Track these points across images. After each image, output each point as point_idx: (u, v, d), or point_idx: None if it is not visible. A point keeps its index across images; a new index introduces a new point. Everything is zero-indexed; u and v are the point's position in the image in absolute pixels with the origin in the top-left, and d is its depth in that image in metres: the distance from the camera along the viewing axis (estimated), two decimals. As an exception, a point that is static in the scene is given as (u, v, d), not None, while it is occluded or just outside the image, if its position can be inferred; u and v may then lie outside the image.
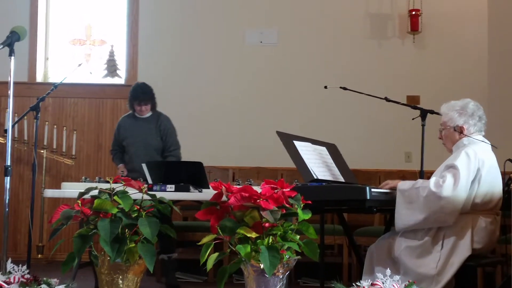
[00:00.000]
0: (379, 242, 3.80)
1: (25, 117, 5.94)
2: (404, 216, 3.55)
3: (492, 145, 3.71)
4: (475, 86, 6.94)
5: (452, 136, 3.72)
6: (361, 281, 2.83)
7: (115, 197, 2.99)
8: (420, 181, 3.59)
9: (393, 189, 3.64)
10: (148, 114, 5.59)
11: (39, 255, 6.70)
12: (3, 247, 3.40)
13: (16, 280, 2.91)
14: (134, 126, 5.58)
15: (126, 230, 2.98)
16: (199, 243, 3.02)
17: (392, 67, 7.15)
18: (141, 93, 5.49)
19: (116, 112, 7.19)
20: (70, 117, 7.20)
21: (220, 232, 2.93)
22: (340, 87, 4.90)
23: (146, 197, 3.09)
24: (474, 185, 3.52)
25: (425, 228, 3.55)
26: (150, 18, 7.32)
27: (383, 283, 2.76)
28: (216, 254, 2.96)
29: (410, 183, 3.59)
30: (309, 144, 3.93)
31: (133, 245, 2.96)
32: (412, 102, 6.38)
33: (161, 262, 5.23)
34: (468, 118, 3.68)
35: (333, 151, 4.19)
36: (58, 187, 5.50)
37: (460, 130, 3.68)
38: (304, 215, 2.99)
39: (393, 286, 2.74)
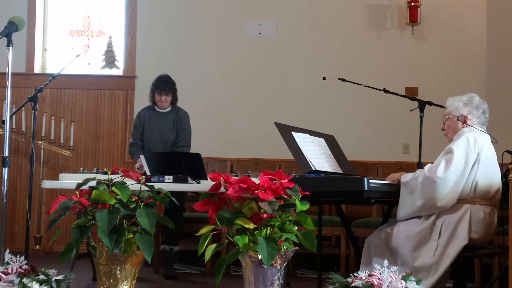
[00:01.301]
0: (376, 233, 3.82)
1: (23, 108, 5.95)
2: (407, 205, 3.61)
3: (491, 137, 3.73)
4: (474, 78, 6.94)
5: (455, 126, 3.76)
6: (359, 272, 2.84)
7: (113, 188, 2.99)
8: (419, 170, 3.65)
9: (397, 181, 3.69)
10: (168, 108, 5.57)
11: (37, 246, 6.70)
12: (1, 238, 3.41)
13: (14, 270, 2.92)
14: (153, 120, 5.55)
15: (124, 221, 2.98)
16: (197, 234, 3.02)
17: (391, 59, 7.14)
18: (163, 82, 5.47)
19: (114, 103, 7.19)
20: (68, 108, 7.19)
21: (218, 223, 2.93)
22: (339, 79, 4.90)
23: (144, 188, 3.09)
24: (474, 169, 3.56)
25: (424, 214, 3.58)
26: (149, 9, 7.29)
27: (380, 274, 2.76)
28: (214, 245, 2.97)
29: (411, 174, 3.65)
30: (307, 135, 3.93)
31: (131, 236, 2.96)
32: (411, 93, 6.36)
33: (162, 252, 5.23)
34: (473, 109, 3.74)
35: (332, 142, 4.19)
36: (56, 178, 5.51)
37: (463, 120, 3.72)
38: (302, 206, 2.99)
39: (391, 276, 2.75)
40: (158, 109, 5.56)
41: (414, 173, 3.64)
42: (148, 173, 4.56)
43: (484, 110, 3.77)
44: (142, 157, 4.74)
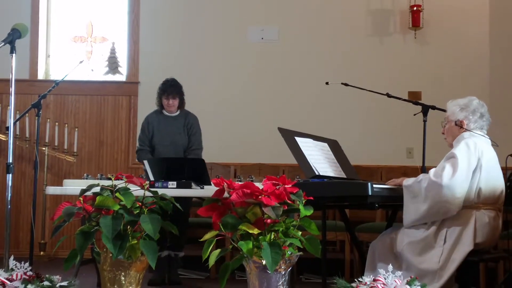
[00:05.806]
0: (381, 238, 3.81)
1: (27, 114, 5.96)
2: (411, 210, 3.59)
3: (492, 141, 3.72)
4: (477, 82, 6.94)
5: (453, 130, 3.76)
6: (363, 277, 2.84)
7: (117, 194, 3.00)
8: (422, 175, 3.63)
9: (399, 186, 3.67)
10: (177, 112, 5.55)
11: (41, 252, 6.70)
12: (5, 245, 3.41)
13: (19, 277, 2.92)
14: (162, 124, 5.51)
15: (128, 226, 2.98)
16: (201, 240, 3.03)
17: (394, 63, 7.14)
18: (169, 86, 5.46)
19: (117, 109, 7.20)
20: (72, 114, 7.20)
21: (222, 229, 2.93)
22: (342, 83, 4.90)
23: (148, 193, 3.09)
24: (476, 174, 3.55)
25: (430, 221, 3.56)
26: (151, 15, 7.31)
27: (385, 279, 2.76)
28: (218, 250, 2.97)
29: (413, 179, 3.63)
30: (310, 140, 3.93)
31: (135, 241, 2.96)
32: (414, 98, 6.35)
33: (167, 258, 5.22)
34: (469, 114, 3.73)
35: (335, 147, 4.19)
36: (60, 184, 5.51)
37: (460, 124, 3.72)
38: (306, 211, 3.00)
39: (395, 281, 2.75)
40: (166, 113, 5.55)
41: (417, 177, 3.62)
42: (151, 178, 4.57)
43: (482, 113, 3.74)
44: (145, 162, 4.74)
